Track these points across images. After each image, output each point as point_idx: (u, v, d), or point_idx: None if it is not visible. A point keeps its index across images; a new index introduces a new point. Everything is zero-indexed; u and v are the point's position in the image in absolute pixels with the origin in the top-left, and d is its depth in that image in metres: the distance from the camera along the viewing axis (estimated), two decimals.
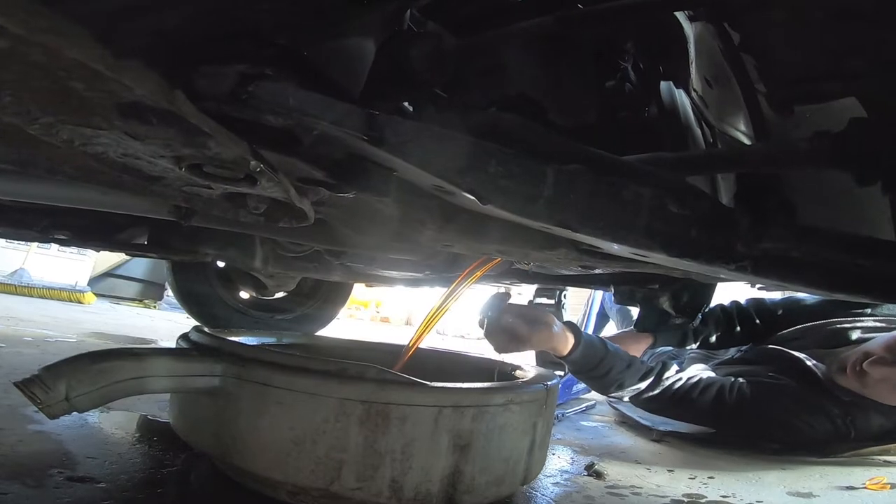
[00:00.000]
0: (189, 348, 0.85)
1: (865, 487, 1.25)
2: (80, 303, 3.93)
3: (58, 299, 3.91)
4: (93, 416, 1.15)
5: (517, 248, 0.77)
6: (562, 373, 2.16)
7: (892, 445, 1.47)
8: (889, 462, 1.46)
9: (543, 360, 2.40)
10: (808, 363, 1.53)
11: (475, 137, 0.53)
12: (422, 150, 0.46)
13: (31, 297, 3.88)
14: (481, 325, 1.40)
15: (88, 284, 4.32)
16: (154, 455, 0.97)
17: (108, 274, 4.69)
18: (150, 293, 4.59)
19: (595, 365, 1.46)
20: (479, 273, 1.25)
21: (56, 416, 0.64)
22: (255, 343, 1.11)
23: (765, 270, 0.55)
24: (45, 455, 0.90)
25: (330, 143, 0.47)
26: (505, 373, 1.20)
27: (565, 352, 1.43)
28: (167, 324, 3.42)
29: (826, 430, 1.45)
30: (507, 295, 1.48)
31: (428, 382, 0.73)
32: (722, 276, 0.68)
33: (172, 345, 0.96)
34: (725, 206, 0.70)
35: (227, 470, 0.86)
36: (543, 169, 0.51)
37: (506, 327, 1.36)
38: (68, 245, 1.58)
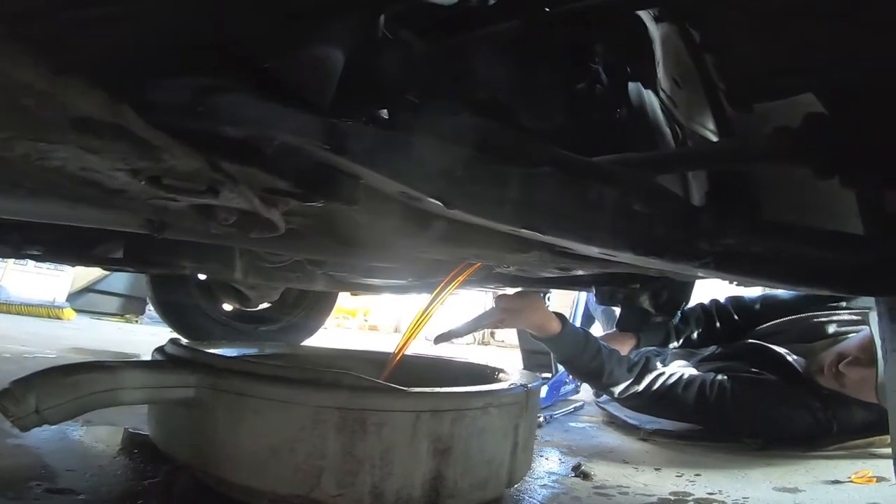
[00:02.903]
0: (163, 360, 0.84)
1: (851, 481, 1.26)
2: (59, 319, 3.89)
3: (36, 316, 3.86)
4: (74, 430, 1.14)
5: (492, 253, 0.77)
6: (549, 374, 2.17)
7: (876, 438, 1.47)
8: (874, 454, 1.47)
9: (531, 362, 2.41)
10: (788, 358, 1.55)
11: (447, 143, 0.53)
12: (385, 158, 0.46)
13: (10, 313, 3.83)
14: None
15: (68, 300, 4.26)
16: (135, 467, 0.97)
17: (88, 289, 4.64)
18: (131, 308, 4.55)
19: (581, 349, 1.48)
20: (460, 278, 1.25)
21: (27, 428, 0.65)
22: (233, 354, 1.11)
23: (728, 266, 0.56)
24: (25, 468, 0.90)
25: (294, 154, 0.47)
26: (487, 376, 1.21)
27: (553, 330, 1.45)
28: (149, 338, 3.38)
29: (808, 424, 1.47)
30: None
31: (405, 388, 0.73)
32: (690, 272, 0.69)
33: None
34: (690, 204, 0.71)
35: (208, 480, 0.86)
36: (508, 172, 0.52)
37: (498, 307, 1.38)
38: (41, 260, 1.56)
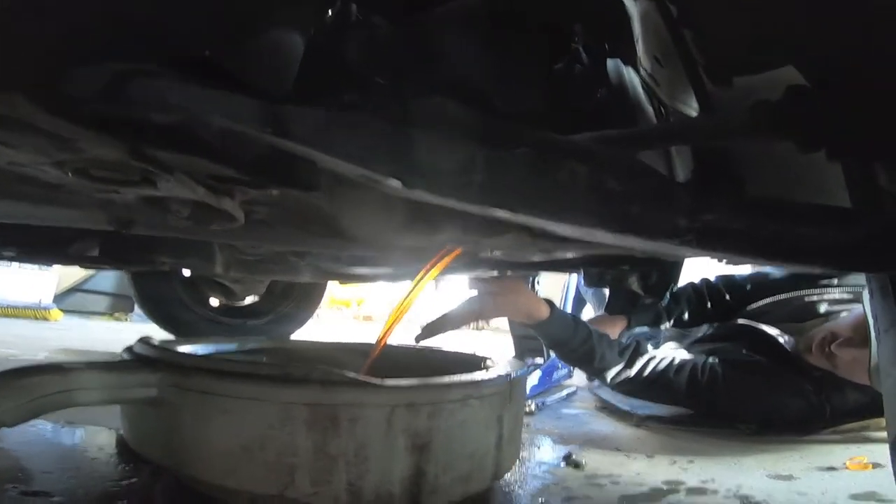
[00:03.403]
0: (124, 360, 0.81)
1: (846, 468, 1.23)
2: (46, 320, 3.84)
3: (23, 318, 3.80)
4: (53, 431, 1.12)
5: (467, 237, 0.74)
6: (541, 360, 2.15)
7: (871, 421, 1.45)
8: (869, 438, 1.44)
9: (522, 347, 2.39)
10: (779, 339, 1.53)
11: (417, 127, 0.50)
12: (337, 140, 0.43)
13: None
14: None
15: (55, 301, 4.20)
16: (114, 468, 0.95)
17: (75, 289, 4.58)
18: (120, 306, 4.50)
19: (570, 334, 1.44)
20: (440, 265, 1.22)
21: None
22: (209, 351, 1.09)
23: (709, 243, 0.53)
24: (1, 471, 0.88)
25: (239, 139, 0.44)
26: (473, 365, 1.18)
27: (541, 315, 1.41)
28: (138, 336, 3.33)
29: (801, 408, 1.44)
30: None
31: (378, 381, 0.70)
32: (674, 251, 0.67)
33: None
34: (669, 181, 0.68)
35: (185, 479, 0.83)
36: (473, 153, 0.49)
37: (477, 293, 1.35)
38: (17, 261, 1.53)
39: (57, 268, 4.06)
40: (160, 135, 0.39)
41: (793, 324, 1.60)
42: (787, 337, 1.54)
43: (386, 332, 1.21)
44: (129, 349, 0.88)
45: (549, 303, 1.43)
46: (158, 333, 2.34)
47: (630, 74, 0.97)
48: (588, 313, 3.49)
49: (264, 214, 0.73)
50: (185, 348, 1.02)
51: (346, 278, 1.84)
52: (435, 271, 1.22)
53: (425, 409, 0.72)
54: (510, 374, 0.87)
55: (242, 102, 0.40)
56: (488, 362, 1.14)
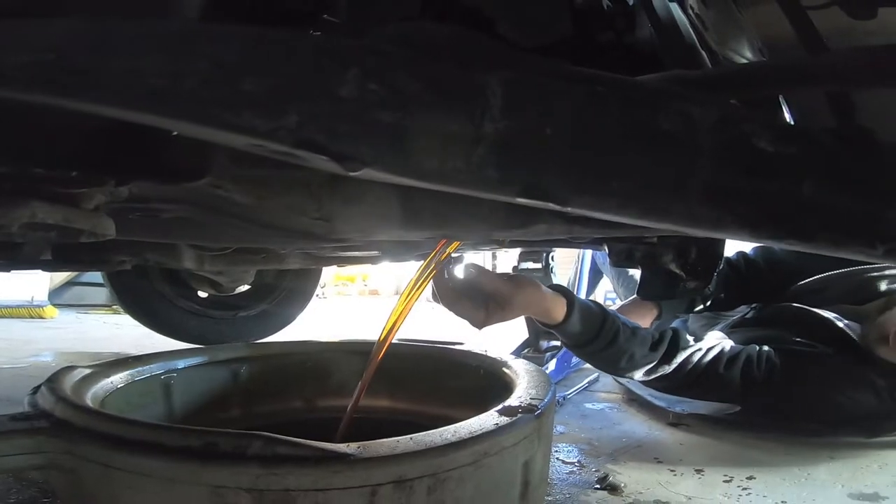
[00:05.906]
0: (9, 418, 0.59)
1: None
2: (41, 318, 3.65)
3: (17, 317, 3.61)
4: None
5: (467, 230, 0.52)
6: (558, 342, 1.91)
7: None
8: None
9: (536, 328, 2.14)
10: (840, 324, 1.28)
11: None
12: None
13: None
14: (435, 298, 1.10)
15: (51, 296, 3.98)
16: None
17: (71, 283, 4.39)
18: None
19: (596, 333, 1.16)
20: (447, 252, 1.00)
21: None
22: (162, 369, 0.89)
23: None
24: None
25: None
26: (489, 375, 0.97)
27: (559, 317, 1.13)
28: (134, 331, 3.13)
29: (871, 406, 1.21)
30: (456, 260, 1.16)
31: (349, 449, 0.48)
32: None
33: None
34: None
35: None
36: (481, 79, 0.26)
37: (484, 290, 1.07)
38: None
39: None
40: None
41: (849, 306, 1.35)
42: (846, 321, 1.29)
43: (389, 333, 0.99)
44: (33, 392, 0.66)
45: (569, 297, 1.15)
46: None
47: (678, 13, 0.78)
48: (606, 287, 3.25)
49: (180, 212, 0.50)
50: (118, 376, 0.81)
51: (340, 262, 1.62)
52: (441, 259, 1.00)
53: (423, 484, 0.49)
54: (538, 409, 0.65)
55: None
56: (505, 370, 0.93)
